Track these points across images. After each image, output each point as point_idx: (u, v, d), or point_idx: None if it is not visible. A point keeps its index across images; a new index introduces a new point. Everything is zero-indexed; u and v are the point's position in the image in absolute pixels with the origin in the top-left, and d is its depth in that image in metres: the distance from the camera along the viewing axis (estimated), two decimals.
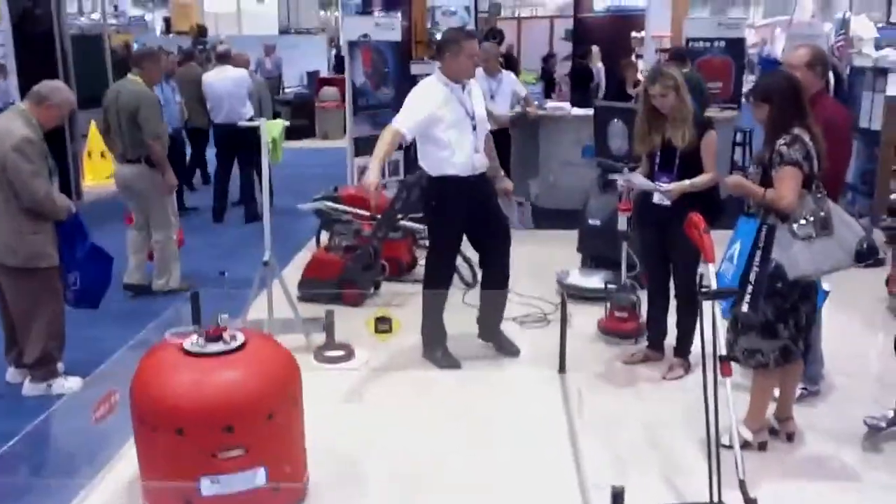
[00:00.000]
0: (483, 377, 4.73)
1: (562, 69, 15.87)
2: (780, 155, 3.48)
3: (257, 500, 3.11)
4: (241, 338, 3.23)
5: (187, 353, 3.16)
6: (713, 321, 3.25)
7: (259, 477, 3.09)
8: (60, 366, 4.65)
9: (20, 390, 4.54)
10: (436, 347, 4.84)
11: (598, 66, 13.90)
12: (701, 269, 3.48)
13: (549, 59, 16.65)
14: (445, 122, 4.48)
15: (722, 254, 3.70)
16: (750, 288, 3.46)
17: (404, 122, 4.45)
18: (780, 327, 3.59)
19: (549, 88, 14.99)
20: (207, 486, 3.01)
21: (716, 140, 4.38)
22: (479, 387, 4.61)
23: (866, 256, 3.47)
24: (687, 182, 4.25)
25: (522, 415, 4.22)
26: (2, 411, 4.32)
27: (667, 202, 4.38)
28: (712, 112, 8.03)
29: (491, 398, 4.48)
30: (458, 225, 4.72)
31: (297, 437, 3.34)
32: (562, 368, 4.69)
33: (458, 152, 4.53)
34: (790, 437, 3.85)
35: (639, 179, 4.34)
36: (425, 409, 4.33)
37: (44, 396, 4.41)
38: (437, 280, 4.88)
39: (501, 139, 7.70)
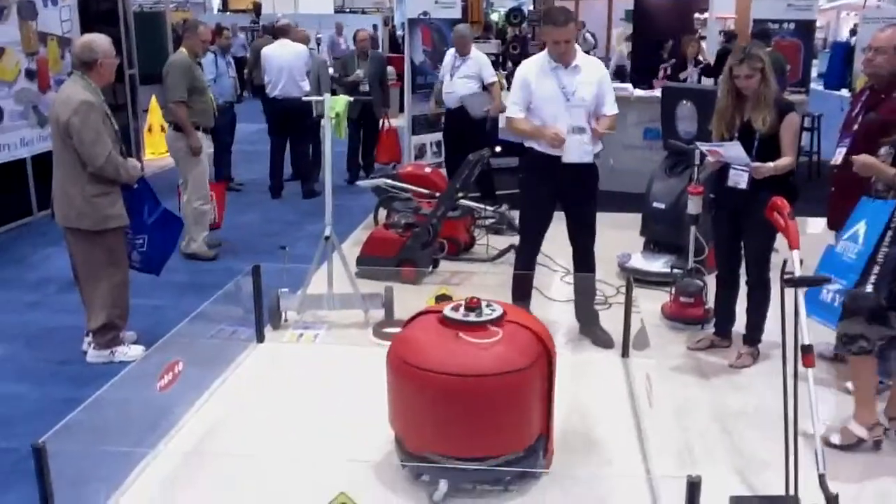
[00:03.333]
0: None
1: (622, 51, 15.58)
2: None
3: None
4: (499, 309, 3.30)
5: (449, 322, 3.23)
6: (795, 309, 3.11)
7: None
8: (131, 334, 4.70)
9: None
10: None
11: (619, 50, 13.50)
12: (783, 255, 3.33)
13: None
14: (536, 96, 4.47)
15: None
16: (877, 269, 3.38)
17: (511, 108, 4.60)
18: (893, 315, 3.41)
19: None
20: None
21: (797, 123, 4.21)
22: None
23: None
24: (772, 164, 4.09)
25: (586, 399, 4.13)
26: (69, 377, 4.37)
27: (742, 185, 4.23)
28: None
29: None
30: (540, 202, 4.63)
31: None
32: (625, 353, 4.59)
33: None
34: None
35: (734, 150, 4.15)
36: None
37: (107, 364, 4.45)
38: (517, 261, 4.85)
39: (459, 116, 7.60)
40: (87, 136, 4.19)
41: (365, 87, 9.06)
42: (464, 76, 7.59)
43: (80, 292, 4.59)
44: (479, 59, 7.75)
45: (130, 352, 4.53)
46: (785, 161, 4.12)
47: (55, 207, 4.42)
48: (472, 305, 3.24)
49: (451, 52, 7.84)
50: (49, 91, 7.57)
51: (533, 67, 4.54)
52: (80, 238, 4.39)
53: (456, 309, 3.27)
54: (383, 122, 9.62)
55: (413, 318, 3.44)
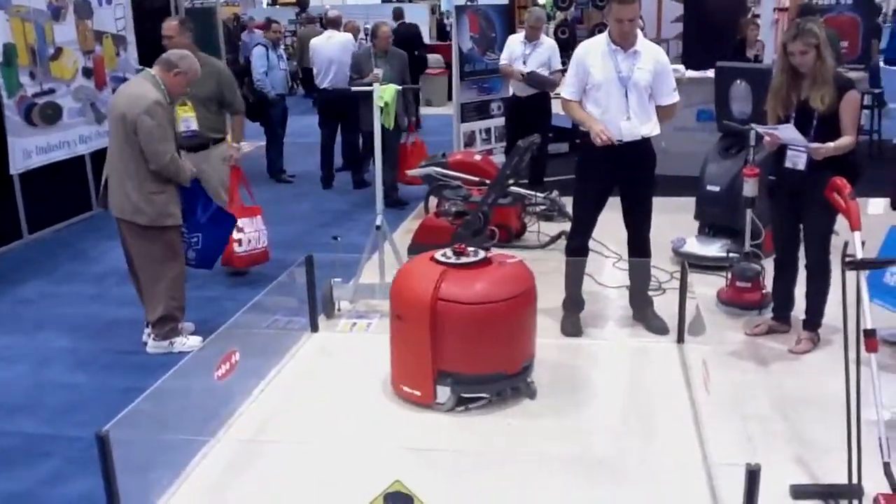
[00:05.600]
0: (601, 346, 4.61)
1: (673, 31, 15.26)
2: None
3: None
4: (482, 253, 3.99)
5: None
6: (857, 292, 3.02)
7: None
8: (189, 325, 4.80)
9: None
10: (566, 313, 4.79)
11: None
12: (844, 237, 3.24)
13: None
14: (594, 79, 4.40)
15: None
16: None
17: (566, 90, 4.58)
18: None
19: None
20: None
21: (858, 101, 4.09)
22: (598, 355, 4.49)
23: None
24: (832, 144, 3.97)
25: (642, 386, 4.10)
26: (129, 367, 4.48)
27: (801, 166, 4.13)
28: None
29: (608, 369, 4.37)
30: (593, 190, 4.59)
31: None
32: (680, 339, 4.52)
33: (605, 114, 4.40)
34: None
35: (789, 133, 4.06)
36: (543, 376, 4.23)
37: (166, 354, 4.55)
38: (570, 245, 4.82)
39: (524, 105, 7.69)
40: (156, 135, 4.28)
41: None
42: (537, 64, 7.50)
43: (136, 284, 4.69)
44: (550, 44, 7.70)
45: (189, 342, 4.62)
46: (845, 141, 4.01)
47: (110, 199, 4.51)
48: (461, 250, 3.95)
49: (516, 38, 7.74)
50: (105, 88, 7.74)
51: (591, 49, 4.46)
52: (136, 233, 4.48)
53: (449, 255, 3.92)
54: (407, 136, 7.98)
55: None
